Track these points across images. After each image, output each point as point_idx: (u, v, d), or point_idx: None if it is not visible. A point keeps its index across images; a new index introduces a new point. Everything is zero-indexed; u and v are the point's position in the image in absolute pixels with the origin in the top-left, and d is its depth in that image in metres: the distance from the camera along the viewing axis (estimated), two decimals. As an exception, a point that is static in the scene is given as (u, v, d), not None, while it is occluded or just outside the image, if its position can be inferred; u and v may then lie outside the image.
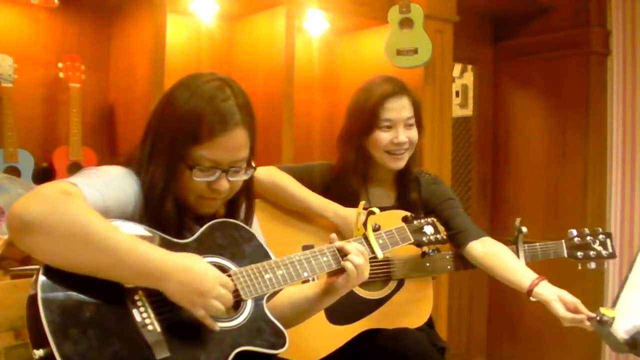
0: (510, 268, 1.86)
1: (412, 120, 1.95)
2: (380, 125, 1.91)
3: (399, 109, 1.92)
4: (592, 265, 1.97)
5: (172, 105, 1.36)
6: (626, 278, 1.70)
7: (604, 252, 1.97)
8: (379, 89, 1.93)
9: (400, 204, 1.99)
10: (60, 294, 1.15)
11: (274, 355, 1.34)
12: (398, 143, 1.91)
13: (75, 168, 2.41)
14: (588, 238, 1.97)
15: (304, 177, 1.96)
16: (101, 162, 1.43)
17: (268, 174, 1.91)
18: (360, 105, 1.95)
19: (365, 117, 1.92)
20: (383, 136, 1.91)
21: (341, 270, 1.47)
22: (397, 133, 1.92)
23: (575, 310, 1.72)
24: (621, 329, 1.64)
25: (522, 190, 3.85)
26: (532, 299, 1.79)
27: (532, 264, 1.94)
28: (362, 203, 1.64)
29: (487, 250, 1.91)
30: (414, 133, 1.96)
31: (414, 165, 2.03)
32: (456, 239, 1.95)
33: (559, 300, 1.74)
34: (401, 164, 1.96)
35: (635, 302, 1.67)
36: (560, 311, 1.73)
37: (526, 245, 1.93)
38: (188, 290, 1.19)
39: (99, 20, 2.69)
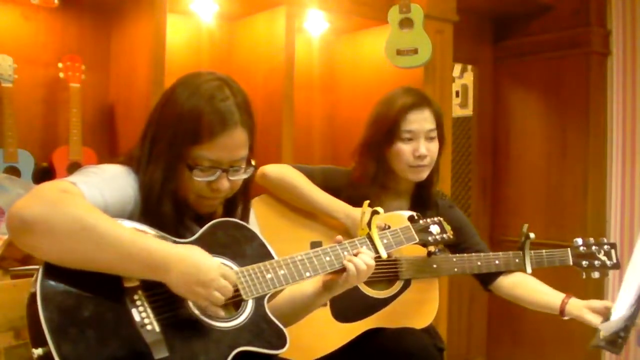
0: (538, 291, 1.94)
1: (434, 133, 1.94)
2: (402, 137, 1.90)
3: (421, 120, 1.91)
4: (596, 274, 1.98)
5: (172, 104, 1.36)
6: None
7: (608, 262, 1.97)
8: (400, 100, 1.92)
9: None
10: (60, 294, 1.15)
11: (275, 356, 1.34)
12: (419, 156, 1.90)
13: (75, 168, 2.40)
14: (593, 248, 1.97)
15: (317, 178, 1.94)
16: (101, 162, 1.43)
17: (278, 170, 1.91)
18: (381, 116, 1.94)
19: (386, 128, 1.91)
20: (404, 148, 1.90)
21: (341, 269, 1.47)
22: (418, 145, 1.90)
23: (607, 312, 1.76)
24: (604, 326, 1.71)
25: (522, 190, 3.85)
26: (565, 317, 1.86)
27: (535, 270, 1.95)
28: (367, 202, 1.64)
29: (512, 280, 1.97)
30: (434, 146, 1.94)
31: (435, 182, 2.02)
32: (483, 276, 1.99)
33: (590, 311, 1.80)
34: (423, 175, 1.94)
35: (617, 300, 1.70)
36: (594, 321, 1.78)
37: (532, 252, 1.94)
38: (190, 280, 1.19)
39: (99, 20, 2.69)
